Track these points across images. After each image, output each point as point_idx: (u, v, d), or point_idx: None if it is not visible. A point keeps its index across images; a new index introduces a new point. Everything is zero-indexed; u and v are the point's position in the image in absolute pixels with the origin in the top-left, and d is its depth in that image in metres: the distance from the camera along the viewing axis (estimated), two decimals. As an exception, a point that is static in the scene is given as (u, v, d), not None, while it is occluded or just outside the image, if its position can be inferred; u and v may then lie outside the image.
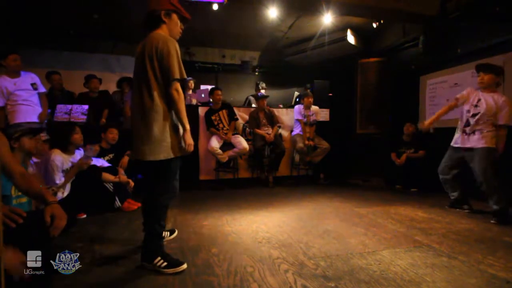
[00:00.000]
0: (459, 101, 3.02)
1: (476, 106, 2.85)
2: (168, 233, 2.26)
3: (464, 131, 2.92)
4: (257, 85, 5.80)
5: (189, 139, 1.77)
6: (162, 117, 1.71)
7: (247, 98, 5.84)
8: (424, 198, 3.64)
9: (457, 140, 2.99)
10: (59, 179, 2.62)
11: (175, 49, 1.72)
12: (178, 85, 1.71)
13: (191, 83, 5.17)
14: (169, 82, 1.70)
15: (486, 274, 1.69)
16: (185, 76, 1.75)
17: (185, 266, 1.73)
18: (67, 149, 2.77)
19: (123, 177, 3.13)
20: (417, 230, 2.45)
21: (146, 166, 1.76)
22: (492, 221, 2.70)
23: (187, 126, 1.76)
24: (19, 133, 1.81)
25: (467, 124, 2.89)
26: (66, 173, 2.71)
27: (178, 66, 1.71)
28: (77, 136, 2.82)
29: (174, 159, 1.76)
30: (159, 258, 1.73)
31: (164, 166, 1.75)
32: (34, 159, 2.67)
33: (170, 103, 1.73)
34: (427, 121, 3.14)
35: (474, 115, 2.85)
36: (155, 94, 1.70)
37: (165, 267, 1.70)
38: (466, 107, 2.95)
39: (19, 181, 1.41)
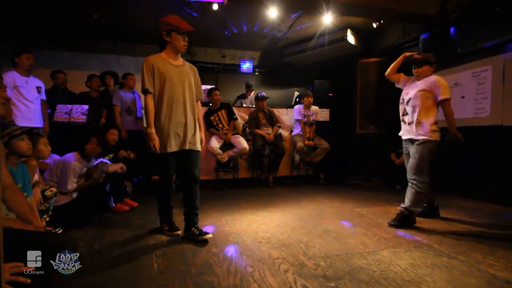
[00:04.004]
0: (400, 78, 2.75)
1: (407, 92, 2.64)
2: (198, 231, 2.22)
3: (403, 120, 2.68)
4: (249, 86, 5.73)
5: (149, 141, 2.14)
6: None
7: (237, 99, 5.81)
8: (424, 198, 3.64)
9: (402, 131, 2.73)
10: (71, 183, 2.62)
11: (142, 67, 2.15)
12: (145, 97, 2.16)
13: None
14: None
15: (486, 274, 1.69)
16: (146, 88, 2.14)
17: (179, 232, 2.28)
18: (86, 155, 2.79)
19: (112, 167, 3.10)
20: (417, 230, 2.45)
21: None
22: (391, 222, 2.55)
23: (148, 130, 2.14)
24: (7, 137, 1.75)
25: (405, 113, 2.65)
26: (80, 179, 2.73)
27: (142, 81, 2.14)
28: (90, 147, 2.83)
29: (154, 155, 2.20)
30: (165, 223, 2.34)
31: None
32: (53, 160, 2.68)
33: None
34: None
35: (407, 102, 2.61)
36: None
37: (167, 230, 2.31)
38: (402, 96, 2.72)
39: (7, 195, 1.41)
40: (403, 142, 2.73)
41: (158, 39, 2.19)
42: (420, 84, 2.57)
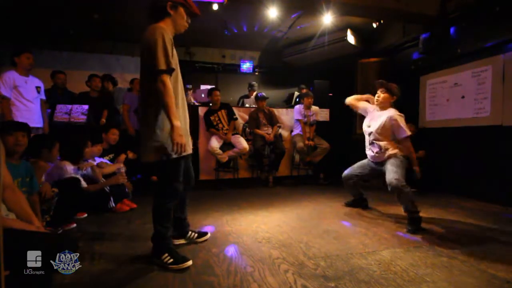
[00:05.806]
0: (362, 106, 3.05)
1: (369, 126, 2.84)
2: (196, 234, 2.18)
3: (368, 148, 2.90)
4: (251, 86, 5.78)
5: (177, 138, 1.61)
6: (154, 116, 1.67)
7: (240, 99, 5.85)
8: (424, 198, 3.63)
9: (368, 155, 2.96)
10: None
11: (161, 38, 1.61)
12: (164, 77, 1.60)
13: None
14: (154, 74, 1.60)
15: (486, 274, 1.69)
16: (174, 67, 1.66)
17: (190, 262, 1.76)
18: (77, 162, 2.80)
19: (109, 168, 3.14)
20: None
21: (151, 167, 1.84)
22: (407, 231, 2.44)
23: (175, 123, 1.60)
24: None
25: (369, 140, 2.87)
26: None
27: (164, 56, 1.60)
28: (89, 150, 2.97)
29: (170, 161, 1.71)
30: (166, 254, 1.76)
31: (160, 168, 1.77)
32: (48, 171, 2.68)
33: (158, 98, 1.62)
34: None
35: (369, 134, 2.84)
36: (148, 91, 1.67)
37: (171, 263, 1.73)
38: (365, 122, 2.95)
39: (8, 196, 1.42)
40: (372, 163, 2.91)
41: (155, 8, 1.73)
42: (381, 119, 2.73)
